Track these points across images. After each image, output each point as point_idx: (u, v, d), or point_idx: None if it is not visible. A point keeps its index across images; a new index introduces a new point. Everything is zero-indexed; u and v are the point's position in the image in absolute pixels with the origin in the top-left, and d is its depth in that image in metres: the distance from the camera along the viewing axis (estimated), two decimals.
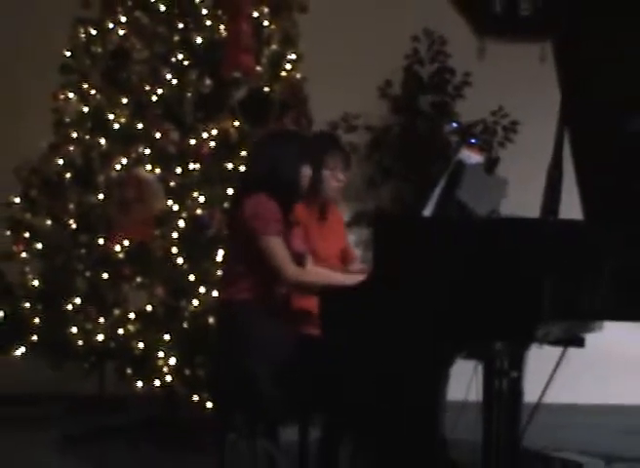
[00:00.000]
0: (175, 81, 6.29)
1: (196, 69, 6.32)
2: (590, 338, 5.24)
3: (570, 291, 4.42)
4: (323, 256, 5.11)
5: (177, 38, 6.35)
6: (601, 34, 4.65)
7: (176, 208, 6.14)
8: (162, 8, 6.34)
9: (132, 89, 6.32)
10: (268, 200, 4.70)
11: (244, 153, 6.16)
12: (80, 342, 6.11)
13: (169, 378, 5.96)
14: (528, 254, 4.39)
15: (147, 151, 6.23)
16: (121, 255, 6.15)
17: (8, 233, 6.36)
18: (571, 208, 4.90)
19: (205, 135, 6.24)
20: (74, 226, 6.30)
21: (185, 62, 6.31)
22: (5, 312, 6.26)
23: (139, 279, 6.16)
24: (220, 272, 5.83)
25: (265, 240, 4.67)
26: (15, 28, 7.11)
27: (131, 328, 6.07)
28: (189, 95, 6.31)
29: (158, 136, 6.25)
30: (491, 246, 4.45)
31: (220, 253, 5.97)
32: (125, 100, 6.31)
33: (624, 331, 5.45)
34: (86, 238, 6.27)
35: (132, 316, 6.09)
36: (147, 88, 6.29)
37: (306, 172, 4.88)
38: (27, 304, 6.25)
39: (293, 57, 6.57)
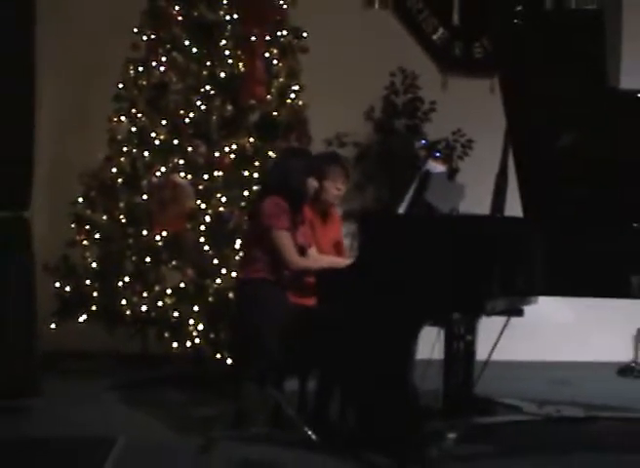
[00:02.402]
0: (203, 107, 6.27)
1: (220, 97, 6.30)
2: (528, 309, 5.25)
3: (511, 273, 4.42)
4: (323, 248, 5.12)
5: (205, 73, 6.33)
6: (536, 72, 4.66)
7: (203, 206, 6.13)
8: (194, 50, 6.33)
9: (169, 113, 6.30)
10: (281, 201, 4.73)
11: (257, 163, 6.16)
12: (128, 312, 6.09)
13: (198, 340, 5.95)
14: (480, 244, 4.39)
15: (181, 162, 6.21)
16: (160, 244, 6.13)
17: (72, 226, 6.35)
18: (513, 206, 4.90)
19: (227, 149, 6.22)
20: (124, 221, 6.27)
21: (212, 92, 6.29)
22: (70, 287, 6.25)
23: (174, 262, 6.14)
24: (238, 257, 5.84)
25: (275, 233, 4.69)
26: (80, 67, 7.10)
27: (168, 301, 6.05)
28: (214, 117, 6.29)
29: (190, 149, 6.23)
30: (451, 237, 4.45)
31: (239, 242, 5.96)
32: (164, 122, 6.28)
33: (553, 303, 5.45)
34: (133, 230, 6.25)
35: (168, 291, 6.06)
36: (182, 112, 6.26)
37: (312, 183, 4.90)
38: (87, 282, 6.22)
39: (296, 88, 6.54)
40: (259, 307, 4.69)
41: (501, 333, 5.20)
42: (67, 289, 6.25)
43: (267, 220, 4.71)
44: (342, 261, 4.85)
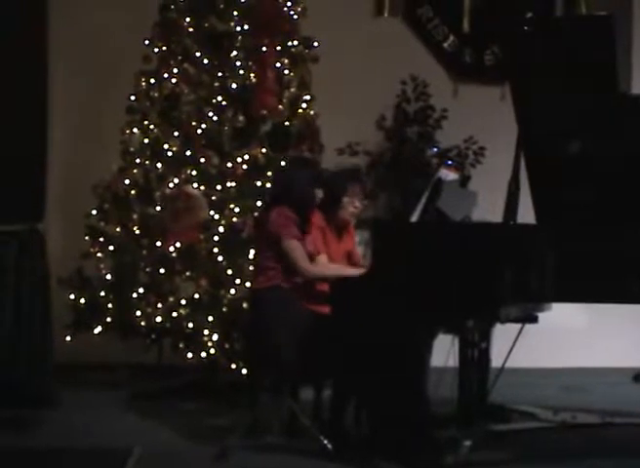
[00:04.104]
0: (215, 118, 6.29)
1: (232, 108, 6.31)
2: (542, 316, 5.25)
3: (525, 280, 4.43)
4: (336, 261, 5.11)
5: (216, 84, 6.34)
6: (546, 78, 4.67)
7: (216, 217, 6.15)
8: (205, 61, 6.35)
9: (182, 124, 6.31)
10: (289, 211, 4.74)
11: (270, 173, 6.17)
12: (143, 323, 6.11)
13: (212, 351, 5.96)
14: (493, 251, 4.40)
15: (194, 173, 6.23)
16: (174, 254, 6.14)
17: (86, 238, 6.37)
18: (526, 213, 4.91)
19: (239, 159, 6.24)
20: (138, 232, 6.29)
21: (223, 103, 6.30)
22: (85, 299, 6.28)
23: (188, 273, 6.15)
24: (251, 267, 5.84)
25: (287, 243, 4.71)
26: (92, 80, 7.14)
27: (182, 311, 6.06)
28: (226, 128, 6.31)
29: (202, 160, 6.25)
30: (463, 244, 4.46)
31: (252, 251, 5.97)
32: (176, 133, 6.30)
33: (567, 310, 5.45)
34: (147, 241, 6.26)
35: (183, 302, 6.08)
36: (194, 123, 6.28)
37: (318, 193, 4.92)
38: (102, 293, 6.24)
39: (307, 97, 6.55)
40: (273, 315, 4.70)
41: (516, 340, 5.20)
42: (82, 301, 6.26)
43: (277, 230, 4.73)
44: (354, 271, 4.87)
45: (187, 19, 6.38)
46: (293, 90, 6.51)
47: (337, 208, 5.11)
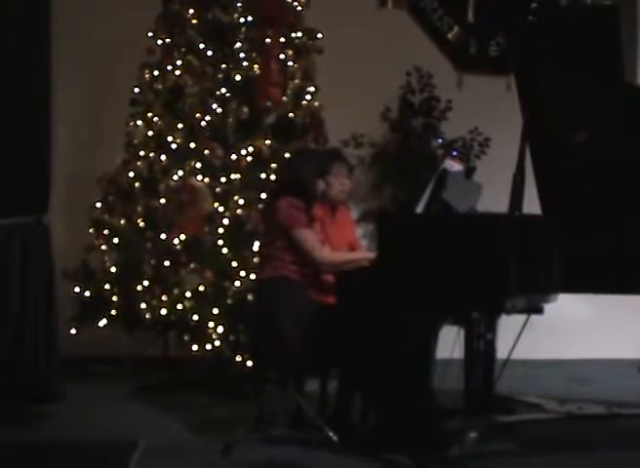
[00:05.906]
0: (219, 110, 6.29)
1: (236, 100, 6.31)
2: (548, 307, 5.25)
3: (530, 271, 4.42)
4: (336, 246, 5.12)
5: (220, 76, 6.35)
6: (551, 69, 4.66)
7: (221, 209, 6.15)
8: (209, 53, 6.35)
9: (186, 116, 6.31)
10: (296, 201, 4.75)
11: (274, 165, 6.16)
12: (148, 315, 6.12)
13: (218, 343, 5.96)
14: (498, 242, 4.39)
15: (198, 165, 6.22)
16: (179, 247, 6.14)
17: (91, 231, 6.37)
18: (531, 205, 4.91)
19: (243, 151, 6.23)
20: (142, 224, 6.29)
21: (227, 95, 6.30)
22: (90, 292, 6.28)
23: (192, 265, 6.15)
24: (256, 259, 5.84)
25: (299, 232, 4.73)
26: (96, 72, 7.14)
27: (187, 304, 6.06)
28: (231, 120, 6.30)
29: (207, 152, 6.24)
30: (469, 236, 4.45)
31: (257, 244, 5.97)
32: (180, 125, 6.30)
33: (573, 301, 5.44)
34: (151, 234, 6.26)
35: (188, 294, 6.07)
36: (198, 115, 6.27)
37: (320, 184, 4.92)
38: (107, 286, 6.24)
39: (312, 89, 6.55)
40: (278, 305, 4.70)
41: (521, 332, 5.19)
42: (87, 293, 6.27)
43: (287, 220, 4.73)
44: (364, 255, 4.88)
45: (191, 11, 6.38)
46: (297, 81, 6.51)
47: (325, 189, 5.13)
